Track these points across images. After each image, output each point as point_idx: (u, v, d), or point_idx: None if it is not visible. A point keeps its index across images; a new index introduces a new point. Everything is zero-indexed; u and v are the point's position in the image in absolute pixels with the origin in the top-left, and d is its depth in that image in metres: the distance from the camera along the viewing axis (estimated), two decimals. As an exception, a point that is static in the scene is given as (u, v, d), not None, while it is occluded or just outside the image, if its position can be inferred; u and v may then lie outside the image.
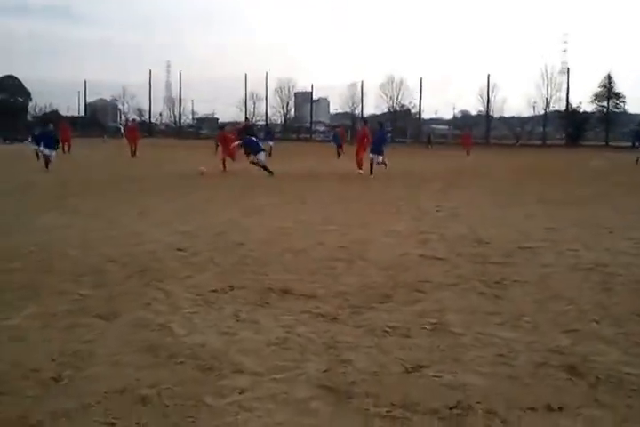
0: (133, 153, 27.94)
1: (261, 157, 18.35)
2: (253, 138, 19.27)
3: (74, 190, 13.92)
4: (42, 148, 18.70)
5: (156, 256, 6.56)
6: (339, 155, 28.52)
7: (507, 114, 64.18)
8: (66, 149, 28.44)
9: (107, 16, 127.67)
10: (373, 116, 58.63)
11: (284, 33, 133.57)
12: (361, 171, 18.67)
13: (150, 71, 70.85)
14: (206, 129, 69.90)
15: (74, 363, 3.60)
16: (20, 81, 72.47)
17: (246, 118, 36.40)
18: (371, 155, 18.58)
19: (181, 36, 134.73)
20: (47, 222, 8.94)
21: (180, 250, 6.91)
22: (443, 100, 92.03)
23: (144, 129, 49.93)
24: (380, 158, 18.44)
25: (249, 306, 4.76)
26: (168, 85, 76.41)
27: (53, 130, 20.28)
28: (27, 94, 73.07)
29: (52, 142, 19.26)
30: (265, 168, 17.97)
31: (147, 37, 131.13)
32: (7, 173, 18.30)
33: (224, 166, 19.61)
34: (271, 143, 29.87)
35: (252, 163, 18.35)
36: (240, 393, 3.17)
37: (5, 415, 2.94)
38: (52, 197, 12.30)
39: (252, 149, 18.41)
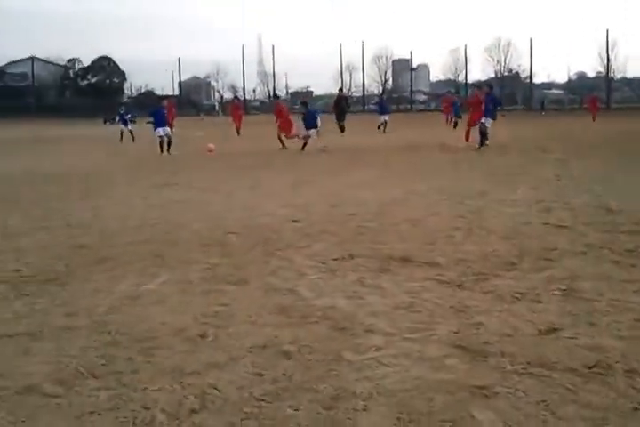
0: (238, 131, 27.92)
1: (312, 133, 18.23)
2: (314, 112, 19.07)
3: (186, 166, 14.53)
4: (159, 128, 18.99)
5: (273, 228, 6.77)
6: (456, 124, 26.98)
7: (630, 74, 59.55)
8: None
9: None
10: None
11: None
12: (465, 143, 18.02)
13: (243, 46, 71.47)
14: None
15: (216, 322, 3.83)
16: (114, 62, 73.96)
17: (340, 89, 35.56)
18: (482, 119, 17.11)
19: (272, 9, 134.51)
20: (166, 197, 9.41)
21: (295, 221, 7.10)
22: (555, 61, 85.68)
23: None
24: (489, 123, 16.98)
25: (371, 273, 4.87)
26: (260, 61, 76.06)
27: (165, 107, 20.48)
28: (122, 75, 74.62)
29: (164, 120, 19.49)
30: (303, 146, 18.02)
31: (238, 13, 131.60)
32: (119, 152, 19.23)
33: (282, 144, 18.92)
34: (386, 117, 28.10)
35: (297, 137, 18.42)
36: (376, 351, 3.30)
37: (163, 366, 3.21)
38: (166, 174, 12.85)
39: (307, 123, 18.39)
